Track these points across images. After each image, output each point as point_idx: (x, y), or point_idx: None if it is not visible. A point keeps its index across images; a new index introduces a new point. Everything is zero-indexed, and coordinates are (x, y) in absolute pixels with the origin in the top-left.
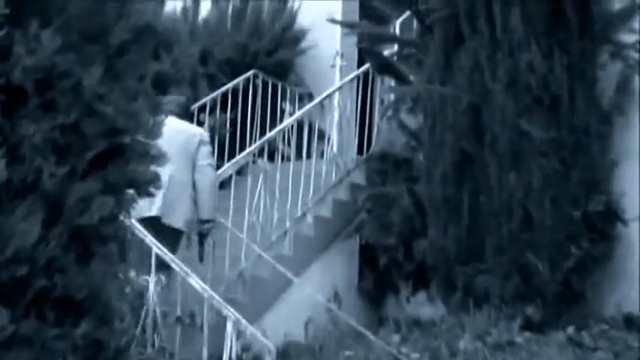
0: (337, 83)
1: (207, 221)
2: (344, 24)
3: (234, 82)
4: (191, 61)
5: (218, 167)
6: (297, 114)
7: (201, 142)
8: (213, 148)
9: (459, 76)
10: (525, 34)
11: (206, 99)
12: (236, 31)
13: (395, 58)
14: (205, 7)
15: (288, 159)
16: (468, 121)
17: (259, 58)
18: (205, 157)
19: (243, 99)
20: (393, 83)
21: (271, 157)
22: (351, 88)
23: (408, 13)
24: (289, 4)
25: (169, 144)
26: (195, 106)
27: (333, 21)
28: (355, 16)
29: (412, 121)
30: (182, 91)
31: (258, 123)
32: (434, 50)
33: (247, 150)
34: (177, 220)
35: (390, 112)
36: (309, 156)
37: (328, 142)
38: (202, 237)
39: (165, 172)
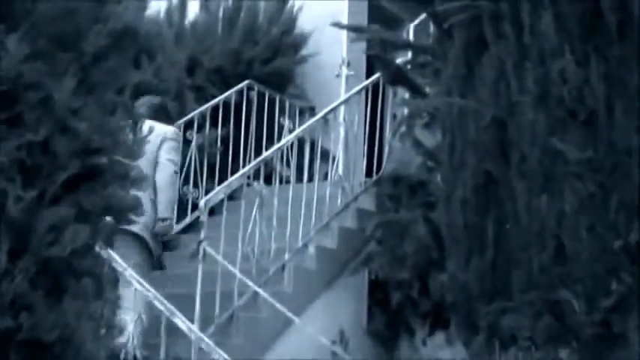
0: (343, 95)
1: (164, 219)
2: (351, 28)
3: (226, 94)
4: (177, 71)
5: (208, 191)
6: (298, 130)
7: (164, 140)
8: (202, 168)
9: (481, 88)
10: (558, 39)
11: (193, 113)
12: (228, 36)
13: (409, 66)
14: (193, 9)
15: (288, 182)
16: (492, 138)
17: (254, 66)
18: (166, 153)
19: (235, 114)
20: (406, 95)
21: (268, 180)
22: (359, 101)
23: (423, 15)
24: (288, 5)
25: None
26: (181, 122)
27: (338, 25)
28: (363, 19)
29: (428, 139)
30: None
31: (253, 141)
32: (453, 58)
33: (241, 171)
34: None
35: (403, 129)
36: (310, 178)
37: (333, 162)
38: (161, 239)
39: None
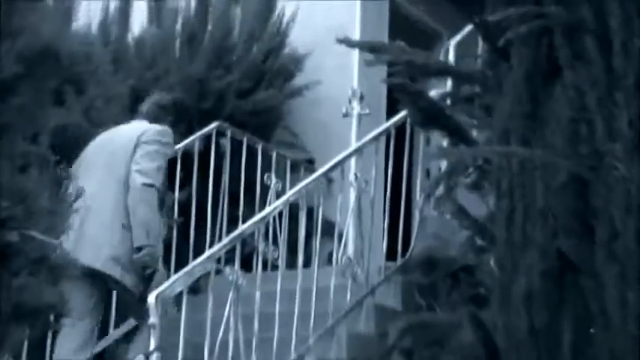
0: (354, 143)
1: (139, 248)
2: (365, 46)
3: (186, 141)
4: (116, 108)
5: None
6: (289, 193)
7: (138, 144)
8: None
9: (553, 131)
10: None
11: None
12: (189, 58)
13: (448, 101)
14: (138, 20)
15: (275, 267)
16: (568, 204)
17: (226, 101)
18: (136, 163)
19: (200, 169)
20: (444, 143)
21: (247, 264)
22: (377, 150)
23: (468, 28)
24: (276, 14)
25: (98, 154)
26: None
27: (346, 41)
28: (383, 33)
29: (477, 205)
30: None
31: (225, 208)
32: (511, 88)
33: (208, 252)
34: (94, 256)
35: (440, 191)
36: (308, 262)
37: (340, 239)
38: (143, 273)
39: (86, 196)
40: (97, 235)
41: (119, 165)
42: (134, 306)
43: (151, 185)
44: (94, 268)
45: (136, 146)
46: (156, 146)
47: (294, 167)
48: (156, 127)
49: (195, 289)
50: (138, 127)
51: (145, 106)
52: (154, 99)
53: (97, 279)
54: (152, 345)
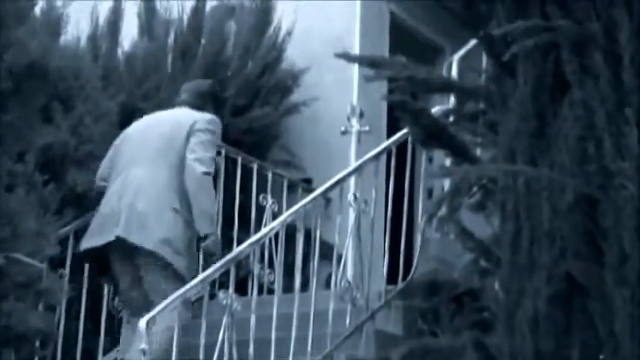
0: (353, 162)
1: (205, 237)
2: (364, 60)
3: None
4: (106, 126)
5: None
6: (286, 214)
7: (191, 132)
8: None
9: (560, 150)
10: None
11: None
12: (181, 73)
13: (451, 118)
14: (129, 34)
15: (271, 291)
16: (576, 225)
17: (221, 118)
18: (191, 151)
19: None
20: (447, 162)
21: (242, 288)
22: (377, 170)
23: (472, 42)
24: (272, 27)
25: (145, 137)
26: None
27: (345, 56)
28: (383, 48)
29: (481, 226)
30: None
31: (219, 229)
32: (517, 105)
33: (201, 275)
34: (147, 238)
35: (442, 211)
36: (305, 286)
37: (338, 262)
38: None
39: (134, 177)
40: (147, 216)
41: (170, 150)
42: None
43: (208, 174)
44: (145, 249)
45: (189, 134)
46: (209, 135)
47: (291, 187)
48: (207, 115)
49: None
50: (187, 114)
51: (184, 95)
52: (193, 86)
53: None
54: None
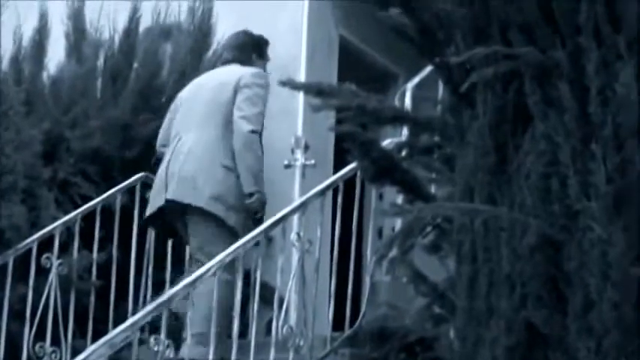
0: (297, 198)
1: (250, 195)
2: (310, 88)
3: (107, 194)
4: (27, 156)
5: (76, 352)
6: (224, 254)
7: (237, 89)
8: (67, 313)
9: (522, 187)
10: None
11: (53, 226)
12: (112, 98)
13: (404, 152)
14: (56, 55)
15: None
16: (538, 268)
17: (154, 148)
18: (238, 109)
19: (122, 226)
20: (399, 199)
21: (174, 334)
22: (323, 207)
23: (428, 69)
24: (213, 48)
25: (193, 101)
26: (33, 238)
27: (289, 83)
28: (332, 75)
29: (435, 269)
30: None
31: (150, 269)
32: (476, 138)
33: (131, 319)
34: (198, 196)
35: (394, 252)
36: (244, 333)
37: (280, 306)
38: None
39: (183, 143)
40: (198, 176)
41: (218, 109)
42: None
43: (255, 132)
44: (198, 207)
45: (235, 91)
46: (256, 89)
47: None
48: (252, 69)
49: None
50: (230, 71)
51: (225, 53)
52: (231, 41)
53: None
54: None
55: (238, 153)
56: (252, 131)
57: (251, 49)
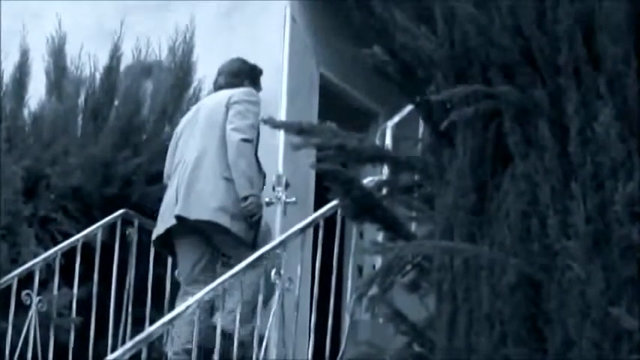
0: (278, 235)
1: (244, 198)
2: (291, 127)
3: (87, 230)
4: (8, 193)
5: None
6: (203, 292)
7: (228, 105)
8: (46, 351)
9: (501, 227)
10: (625, 149)
11: (33, 262)
12: (92, 136)
13: (384, 191)
14: (36, 92)
15: None
16: (518, 307)
17: (134, 186)
18: (229, 123)
19: (103, 262)
20: (380, 237)
21: None
22: (303, 244)
23: (408, 108)
24: (193, 86)
25: (193, 125)
26: (13, 275)
27: (269, 122)
28: (313, 113)
29: (415, 308)
30: None
31: (130, 306)
32: (455, 178)
33: (110, 357)
34: (202, 209)
35: (374, 290)
36: None
37: (260, 344)
38: (250, 221)
39: (187, 164)
40: (203, 189)
41: (215, 125)
42: (245, 254)
43: (247, 140)
44: (203, 220)
45: (227, 108)
46: (245, 105)
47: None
48: (242, 89)
49: None
50: (224, 93)
51: (220, 78)
52: (226, 67)
53: (204, 236)
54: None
55: (232, 162)
56: (244, 140)
57: (244, 76)
